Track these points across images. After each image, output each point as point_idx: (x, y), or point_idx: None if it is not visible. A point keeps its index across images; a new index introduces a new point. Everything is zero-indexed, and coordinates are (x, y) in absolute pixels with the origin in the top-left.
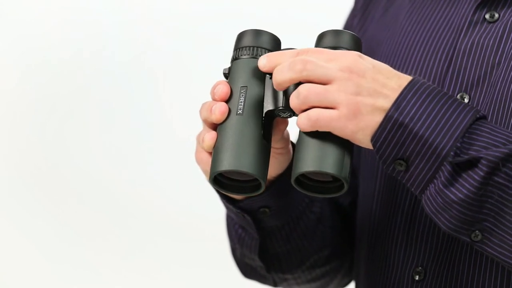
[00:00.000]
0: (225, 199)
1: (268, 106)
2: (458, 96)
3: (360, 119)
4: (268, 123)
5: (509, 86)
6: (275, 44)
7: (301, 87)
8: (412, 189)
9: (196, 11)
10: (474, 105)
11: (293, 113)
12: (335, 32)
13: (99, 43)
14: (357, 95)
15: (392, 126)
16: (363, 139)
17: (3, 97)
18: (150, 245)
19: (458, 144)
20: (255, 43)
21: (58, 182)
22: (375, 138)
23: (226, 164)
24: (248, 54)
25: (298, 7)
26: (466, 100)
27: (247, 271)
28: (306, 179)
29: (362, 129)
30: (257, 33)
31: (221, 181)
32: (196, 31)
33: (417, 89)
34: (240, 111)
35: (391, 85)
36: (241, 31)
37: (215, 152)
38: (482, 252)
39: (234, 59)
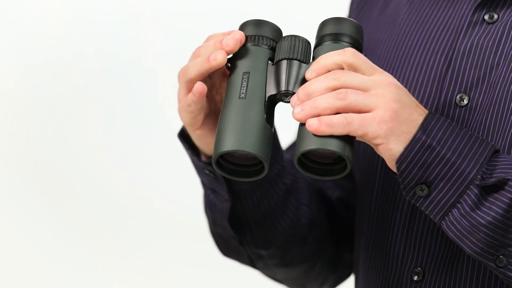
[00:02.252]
0: (196, 156)
1: (270, 91)
2: (458, 97)
3: (397, 124)
4: (270, 108)
5: (509, 87)
6: (276, 33)
7: (341, 89)
8: (432, 215)
9: (196, 11)
10: (474, 106)
11: None
12: (337, 20)
13: (99, 43)
14: (396, 102)
15: (419, 147)
16: (394, 148)
17: (3, 97)
18: (150, 245)
19: (484, 169)
20: (257, 32)
21: (58, 182)
22: (401, 160)
23: (230, 145)
24: (250, 42)
25: (298, 7)
26: (465, 101)
27: (223, 246)
28: (308, 161)
29: (397, 135)
30: (259, 22)
31: (222, 165)
32: (196, 31)
33: (438, 118)
34: (243, 95)
35: (422, 108)
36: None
37: (218, 134)
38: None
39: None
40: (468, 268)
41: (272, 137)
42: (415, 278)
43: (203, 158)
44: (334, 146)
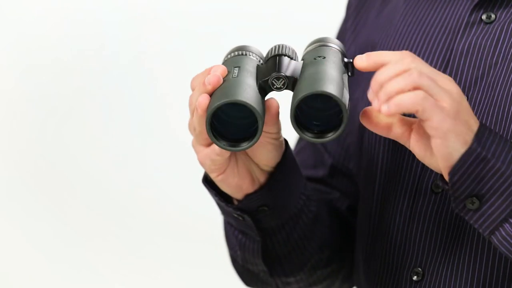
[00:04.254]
0: (224, 202)
1: (262, 77)
2: None
3: (458, 122)
4: (262, 93)
5: (508, 86)
6: (260, 53)
7: (412, 70)
8: (481, 229)
9: (196, 11)
10: (472, 106)
11: (287, 87)
12: (320, 37)
13: (99, 43)
14: (460, 103)
15: (474, 159)
16: (452, 145)
17: (3, 97)
18: (150, 245)
19: None
20: (243, 49)
21: (58, 182)
22: (454, 170)
23: (224, 98)
24: (237, 54)
25: (298, 7)
26: None
27: (249, 278)
28: (305, 127)
29: (456, 133)
30: (242, 46)
31: (216, 136)
32: (196, 31)
33: (490, 130)
34: (235, 76)
35: (475, 118)
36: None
37: (212, 97)
38: (481, 253)
39: (224, 61)
40: (469, 268)
41: (264, 107)
42: (415, 278)
43: (235, 202)
44: (332, 90)
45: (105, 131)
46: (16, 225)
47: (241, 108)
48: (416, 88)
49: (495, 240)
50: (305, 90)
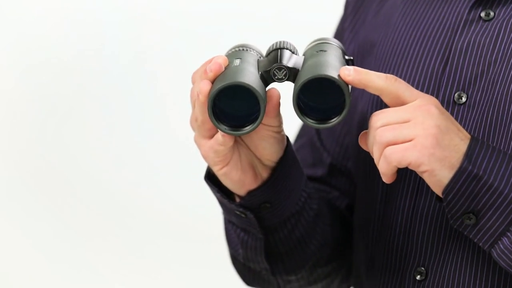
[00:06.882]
0: (227, 199)
1: (264, 67)
2: (456, 95)
3: (438, 150)
4: (264, 82)
5: (508, 83)
6: (259, 50)
7: (372, 135)
8: (480, 243)
9: (196, 11)
10: (472, 103)
11: (289, 78)
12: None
13: (99, 43)
14: (435, 128)
15: (466, 177)
16: (440, 174)
17: (3, 97)
18: (150, 245)
19: None
20: (244, 46)
21: (58, 182)
22: (447, 191)
23: (225, 82)
24: (237, 50)
25: (298, 7)
26: (464, 99)
27: (250, 277)
28: (306, 114)
29: (440, 161)
30: (244, 44)
31: (218, 121)
32: (196, 31)
33: (481, 144)
34: (236, 65)
35: (464, 133)
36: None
37: (213, 84)
38: (484, 251)
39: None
40: (472, 266)
41: (266, 95)
42: (418, 277)
43: (237, 199)
44: (332, 73)
45: (105, 131)
46: (16, 225)
47: (243, 93)
48: (385, 146)
49: (494, 254)
50: (307, 75)
